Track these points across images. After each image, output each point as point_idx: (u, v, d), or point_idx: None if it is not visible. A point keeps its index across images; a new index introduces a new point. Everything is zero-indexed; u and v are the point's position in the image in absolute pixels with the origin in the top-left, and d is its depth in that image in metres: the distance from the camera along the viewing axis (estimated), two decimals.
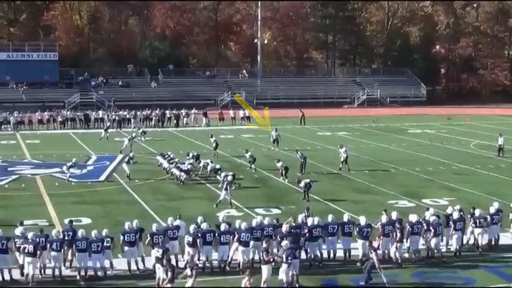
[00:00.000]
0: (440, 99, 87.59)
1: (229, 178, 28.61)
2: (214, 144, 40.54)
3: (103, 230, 19.50)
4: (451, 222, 21.40)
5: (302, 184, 28.68)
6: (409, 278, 19.24)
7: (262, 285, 18.03)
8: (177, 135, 52.35)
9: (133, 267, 19.52)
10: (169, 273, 17.11)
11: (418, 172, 35.44)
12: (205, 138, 44.70)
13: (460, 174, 35.27)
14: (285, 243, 18.65)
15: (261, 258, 18.45)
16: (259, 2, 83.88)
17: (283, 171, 32.72)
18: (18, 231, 19.51)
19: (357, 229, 20.54)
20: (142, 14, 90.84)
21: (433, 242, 20.66)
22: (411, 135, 52.66)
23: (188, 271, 17.17)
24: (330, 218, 20.95)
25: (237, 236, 19.73)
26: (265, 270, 18.05)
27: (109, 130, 49.69)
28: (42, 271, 19.11)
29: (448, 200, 27.72)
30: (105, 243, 19.01)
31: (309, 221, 20.68)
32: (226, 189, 27.50)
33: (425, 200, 28.46)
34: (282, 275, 18.12)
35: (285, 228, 19.89)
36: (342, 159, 35.75)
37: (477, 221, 21.58)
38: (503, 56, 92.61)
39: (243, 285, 17.02)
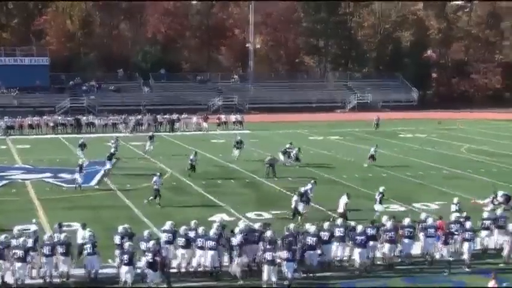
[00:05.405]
0: (432, 103, 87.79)
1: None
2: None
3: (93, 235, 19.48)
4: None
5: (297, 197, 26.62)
6: (399, 281, 19.26)
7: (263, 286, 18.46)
8: (170, 140, 52.19)
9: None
10: None
11: (409, 176, 35.49)
12: (199, 143, 44.42)
13: (451, 179, 35.35)
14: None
15: (261, 259, 18.83)
16: (252, 6, 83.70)
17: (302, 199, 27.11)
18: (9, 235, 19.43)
19: (351, 236, 20.33)
20: (134, 19, 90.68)
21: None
22: (403, 139, 52.74)
23: None
24: (326, 225, 20.86)
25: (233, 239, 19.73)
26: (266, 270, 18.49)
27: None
28: (33, 275, 19.05)
29: (439, 204, 27.81)
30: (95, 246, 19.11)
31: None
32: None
33: (416, 204, 28.52)
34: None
35: (269, 233, 19.80)
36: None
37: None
38: (495, 61, 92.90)
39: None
